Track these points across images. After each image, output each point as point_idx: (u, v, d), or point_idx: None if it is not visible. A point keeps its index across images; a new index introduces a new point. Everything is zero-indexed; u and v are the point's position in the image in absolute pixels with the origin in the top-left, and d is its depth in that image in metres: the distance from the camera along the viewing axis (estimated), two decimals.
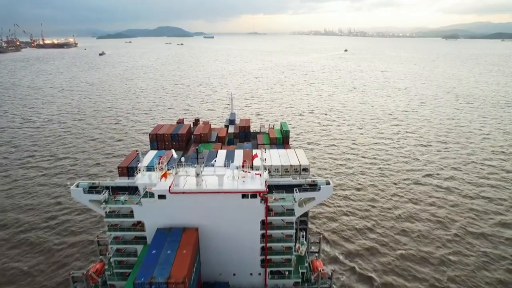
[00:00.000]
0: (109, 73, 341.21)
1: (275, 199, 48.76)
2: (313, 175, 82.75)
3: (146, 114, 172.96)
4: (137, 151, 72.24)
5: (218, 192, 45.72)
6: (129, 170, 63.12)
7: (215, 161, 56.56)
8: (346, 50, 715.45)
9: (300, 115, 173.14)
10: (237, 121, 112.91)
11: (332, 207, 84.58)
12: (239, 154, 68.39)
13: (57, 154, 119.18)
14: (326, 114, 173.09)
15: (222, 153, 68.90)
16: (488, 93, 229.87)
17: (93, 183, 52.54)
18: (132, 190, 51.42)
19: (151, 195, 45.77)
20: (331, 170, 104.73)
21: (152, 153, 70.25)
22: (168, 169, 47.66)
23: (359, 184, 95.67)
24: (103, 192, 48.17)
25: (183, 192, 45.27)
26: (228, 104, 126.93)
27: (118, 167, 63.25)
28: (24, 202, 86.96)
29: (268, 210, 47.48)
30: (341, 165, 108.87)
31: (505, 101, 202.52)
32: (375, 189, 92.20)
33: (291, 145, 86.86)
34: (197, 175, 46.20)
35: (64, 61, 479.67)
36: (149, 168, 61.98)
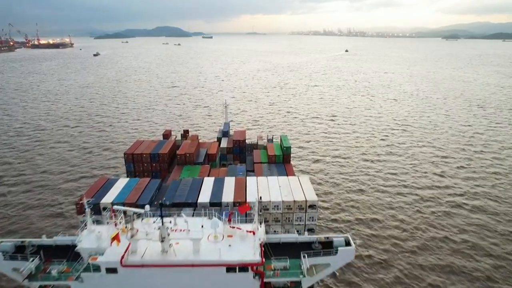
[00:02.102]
0: (101, 75, 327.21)
1: (274, 271, 35.12)
2: (320, 210, 69.63)
3: (133, 122, 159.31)
4: (108, 178, 59.05)
5: (192, 266, 32.18)
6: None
7: (194, 211, 42.24)
8: (347, 51, 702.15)
9: (302, 121, 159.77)
10: (231, 132, 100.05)
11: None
12: (229, 183, 55.08)
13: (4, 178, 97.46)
14: (330, 121, 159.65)
15: (208, 183, 55.58)
16: (499, 97, 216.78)
17: (22, 242, 38.73)
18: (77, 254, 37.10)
19: (96, 268, 32.25)
20: (340, 192, 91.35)
21: (123, 182, 56.88)
22: (125, 226, 34.00)
23: (374, 214, 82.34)
24: (31, 259, 34.44)
25: (142, 265, 31.65)
26: (222, 112, 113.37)
27: (76, 204, 49.98)
28: None
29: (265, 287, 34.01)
30: (350, 188, 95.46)
31: None
32: (397, 221, 78.62)
33: (292, 164, 73.80)
34: (163, 239, 32.51)
35: (56, 62, 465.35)
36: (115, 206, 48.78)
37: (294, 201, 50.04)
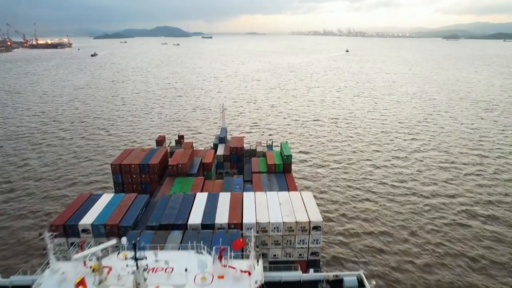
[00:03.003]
0: (98, 76, 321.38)
1: None
2: (325, 232, 63.92)
3: (128, 126, 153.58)
4: (90, 194, 53.36)
5: None
6: (67, 230, 44.34)
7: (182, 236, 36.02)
8: (347, 51, 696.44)
9: (303, 124, 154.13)
10: (229, 138, 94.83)
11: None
12: (224, 200, 49.39)
13: None
14: (332, 124, 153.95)
15: (201, 200, 49.91)
16: (505, 98, 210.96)
17: None
18: None
19: None
20: (344, 202, 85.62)
21: (107, 198, 51.23)
22: (96, 264, 28.05)
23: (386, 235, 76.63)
24: None
25: None
26: (220, 115, 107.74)
27: (51, 225, 44.26)
28: None
29: None
30: (356, 197, 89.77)
31: None
32: (408, 234, 72.79)
33: (293, 174, 68.33)
34: (137, 286, 26.65)
35: (53, 63, 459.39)
36: (95, 230, 43.53)
37: (296, 222, 44.40)
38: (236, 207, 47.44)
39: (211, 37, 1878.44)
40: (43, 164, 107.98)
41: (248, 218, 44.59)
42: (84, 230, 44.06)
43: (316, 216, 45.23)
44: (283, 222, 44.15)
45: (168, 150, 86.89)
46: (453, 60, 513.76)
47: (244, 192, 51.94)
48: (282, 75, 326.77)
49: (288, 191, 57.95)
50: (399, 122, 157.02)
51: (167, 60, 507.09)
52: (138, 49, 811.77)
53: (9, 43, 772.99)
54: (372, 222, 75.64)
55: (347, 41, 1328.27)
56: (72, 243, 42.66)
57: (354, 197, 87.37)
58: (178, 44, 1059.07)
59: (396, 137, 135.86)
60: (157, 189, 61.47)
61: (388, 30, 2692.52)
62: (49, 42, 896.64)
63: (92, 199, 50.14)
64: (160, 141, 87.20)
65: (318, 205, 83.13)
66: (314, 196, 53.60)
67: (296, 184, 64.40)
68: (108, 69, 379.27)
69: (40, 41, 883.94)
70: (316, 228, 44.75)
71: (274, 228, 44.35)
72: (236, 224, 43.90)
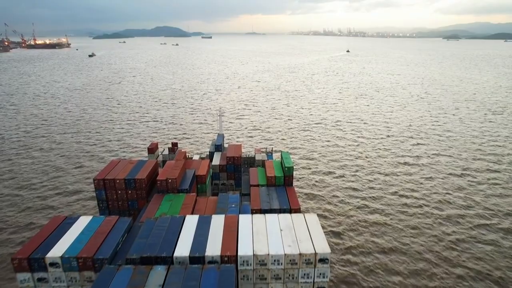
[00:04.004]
0: (94, 77, 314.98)
1: None
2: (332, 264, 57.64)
3: (120, 130, 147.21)
4: (64, 217, 46.72)
5: None
6: (32, 264, 37.86)
7: None
8: (348, 51, 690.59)
9: (304, 128, 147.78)
10: (226, 145, 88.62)
11: None
12: (217, 225, 42.74)
13: None
14: (334, 128, 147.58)
15: (190, 224, 43.35)
16: None
17: None
18: None
19: None
20: (350, 215, 79.19)
21: (84, 222, 44.69)
22: None
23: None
24: None
25: None
26: (216, 121, 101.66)
27: (12, 259, 37.70)
28: None
29: None
30: (362, 209, 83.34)
31: None
32: (423, 251, 66.31)
33: (295, 188, 61.96)
34: None
35: (50, 63, 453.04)
36: (65, 263, 37.33)
37: (300, 254, 37.84)
38: (231, 234, 40.96)
39: (210, 37, 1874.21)
40: (30, 170, 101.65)
41: (244, 249, 38.13)
42: (53, 264, 37.54)
43: (322, 247, 38.71)
44: (285, 254, 37.71)
45: (161, 159, 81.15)
46: (456, 61, 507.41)
47: (240, 215, 45.54)
48: (282, 76, 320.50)
49: (290, 207, 52.07)
50: (405, 126, 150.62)
51: (166, 61, 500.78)
52: (137, 50, 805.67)
53: (6, 43, 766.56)
54: (381, 237, 69.28)
55: (347, 41, 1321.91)
56: (39, 279, 36.52)
57: (361, 208, 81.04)
58: (177, 44, 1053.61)
59: (402, 142, 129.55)
60: (144, 207, 55.06)
61: (388, 30, 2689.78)
62: (47, 42, 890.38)
63: (66, 224, 43.58)
64: (152, 149, 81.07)
65: (322, 217, 77.92)
66: (319, 215, 47.44)
67: (299, 201, 58.22)
68: (105, 70, 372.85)
69: (38, 41, 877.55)
70: (323, 260, 38.32)
71: (275, 261, 37.94)
72: (230, 257, 37.48)
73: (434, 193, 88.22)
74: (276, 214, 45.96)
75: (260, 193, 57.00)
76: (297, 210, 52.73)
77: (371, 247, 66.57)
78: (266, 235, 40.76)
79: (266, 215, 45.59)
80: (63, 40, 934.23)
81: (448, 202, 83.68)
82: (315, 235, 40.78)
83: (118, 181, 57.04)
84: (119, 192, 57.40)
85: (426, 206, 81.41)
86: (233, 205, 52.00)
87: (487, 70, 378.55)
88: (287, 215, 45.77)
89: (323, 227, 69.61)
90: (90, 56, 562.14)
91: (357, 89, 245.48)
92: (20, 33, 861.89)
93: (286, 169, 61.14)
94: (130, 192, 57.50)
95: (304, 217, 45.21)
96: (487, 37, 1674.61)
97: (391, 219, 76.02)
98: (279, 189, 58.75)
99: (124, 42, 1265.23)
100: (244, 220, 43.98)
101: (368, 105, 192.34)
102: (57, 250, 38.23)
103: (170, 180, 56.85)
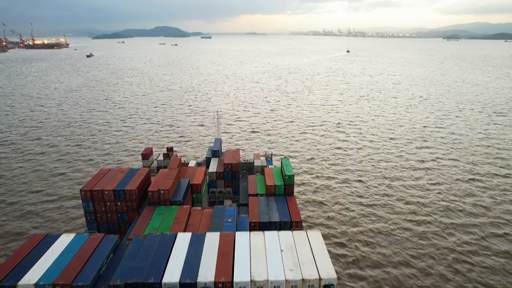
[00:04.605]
0: (92, 77, 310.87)
1: None
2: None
3: (115, 133, 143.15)
4: (44, 235, 42.52)
5: None
6: None
7: None
8: (348, 51, 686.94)
9: (304, 131, 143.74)
10: (223, 150, 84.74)
11: None
12: (211, 245, 38.85)
13: None
14: (335, 130, 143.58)
15: (182, 244, 39.44)
16: None
17: None
18: None
19: None
20: (355, 226, 75.11)
21: (65, 241, 40.61)
22: None
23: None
24: None
25: None
26: (214, 124, 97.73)
27: None
28: None
29: None
30: (368, 220, 79.24)
31: None
32: (437, 266, 62.23)
33: (296, 197, 58.17)
34: None
35: (48, 64, 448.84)
36: None
37: (303, 279, 33.84)
38: (226, 255, 36.97)
39: (210, 37, 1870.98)
40: (20, 175, 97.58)
41: (241, 274, 34.15)
42: None
43: (328, 271, 34.68)
44: (286, 280, 33.71)
45: (156, 165, 77.24)
46: (457, 61, 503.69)
47: (236, 232, 41.55)
48: (282, 77, 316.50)
49: (291, 220, 48.70)
50: (409, 128, 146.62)
51: (165, 61, 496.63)
52: (135, 50, 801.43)
53: (4, 43, 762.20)
54: (388, 248, 65.27)
55: (347, 42, 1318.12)
56: None
57: (365, 216, 77.04)
58: (176, 45, 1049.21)
59: (406, 145, 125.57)
60: (134, 220, 51.12)
61: (388, 30, 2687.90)
62: (46, 42, 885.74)
63: (44, 244, 39.46)
64: (146, 155, 77.33)
65: (325, 226, 73.99)
66: (322, 225, 43.48)
67: (300, 210, 54.56)
68: (103, 70, 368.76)
69: (37, 41, 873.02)
70: (328, 286, 34.30)
71: (274, 287, 33.97)
72: (224, 283, 33.51)
73: (442, 200, 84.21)
74: (276, 232, 42.04)
75: (259, 204, 53.54)
76: (298, 223, 49.15)
77: (378, 259, 62.59)
78: (265, 257, 36.89)
79: (265, 232, 41.70)
80: (62, 40, 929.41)
81: (457, 210, 79.69)
82: (319, 257, 36.83)
83: (106, 192, 53.21)
84: (108, 204, 53.64)
85: (434, 214, 77.43)
86: (229, 220, 48.18)
87: (489, 70, 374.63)
88: (288, 233, 41.84)
89: (326, 237, 66.27)
90: (88, 56, 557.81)
91: (359, 90, 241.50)
92: (18, 33, 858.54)
93: (286, 177, 57.38)
94: (119, 204, 53.70)
95: (307, 235, 41.20)
96: (487, 37, 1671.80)
97: (398, 228, 72.05)
98: (279, 199, 55.26)
99: (123, 42, 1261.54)
100: (241, 238, 40.11)
101: (370, 107, 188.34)
102: (31, 276, 34.21)
103: (162, 192, 53.07)
